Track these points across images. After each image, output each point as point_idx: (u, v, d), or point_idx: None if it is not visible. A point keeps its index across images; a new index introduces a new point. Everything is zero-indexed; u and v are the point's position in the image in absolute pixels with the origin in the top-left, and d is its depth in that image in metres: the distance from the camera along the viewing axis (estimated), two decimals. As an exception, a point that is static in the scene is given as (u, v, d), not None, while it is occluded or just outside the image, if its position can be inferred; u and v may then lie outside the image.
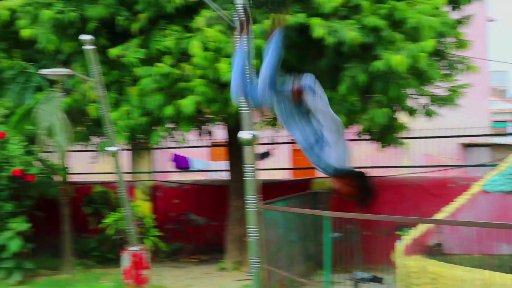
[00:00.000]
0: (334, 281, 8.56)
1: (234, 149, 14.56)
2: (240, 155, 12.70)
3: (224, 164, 17.07)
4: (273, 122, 14.06)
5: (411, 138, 15.31)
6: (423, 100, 13.87)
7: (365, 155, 16.21)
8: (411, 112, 13.52)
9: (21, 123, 13.42)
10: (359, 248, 8.07)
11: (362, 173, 5.22)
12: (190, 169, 20.81)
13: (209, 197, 16.96)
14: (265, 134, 14.49)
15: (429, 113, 13.73)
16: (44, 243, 15.40)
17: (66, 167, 14.91)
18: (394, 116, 13.01)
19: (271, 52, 4.92)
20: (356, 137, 13.77)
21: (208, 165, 21.60)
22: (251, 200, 7.52)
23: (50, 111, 12.84)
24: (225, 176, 17.19)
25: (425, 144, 15.85)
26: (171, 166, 21.21)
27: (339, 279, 9.25)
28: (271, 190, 13.56)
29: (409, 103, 13.44)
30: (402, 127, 13.40)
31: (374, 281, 8.68)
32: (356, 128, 13.30)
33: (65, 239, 14.56)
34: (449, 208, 10.59)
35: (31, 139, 13.83)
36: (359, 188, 5.09)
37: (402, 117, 13.74)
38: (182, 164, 21.30)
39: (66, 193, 14.72)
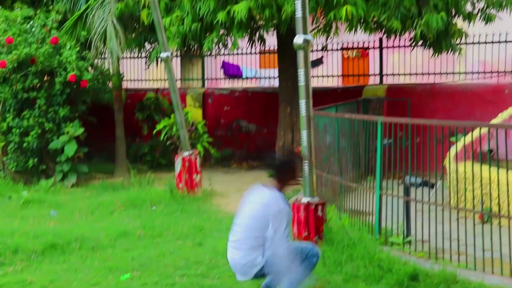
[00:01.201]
0: (385, 186, 8.60)
1: (285, 56, 14.47)
2: (291, 62, 12.63)
3: (274, 72, 17.02)
4: (324, 29, 13.86)
5: (467, 44, 14.99)
6: (481, 4, 13.46)
7: (419, 62, 15.97)
8: (468, 16, 13.16)
9: (75, 29, 13.50)
10: (410, 154, 8.03)
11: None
12: (241, 76, 20.81)
13: (259, 104, 17.00)
14: (316, 41, 14.30)
15: (487, 18, 13.33)
16: (98, 148, 15.75)
17: (119, 74, 15.05)
18: (450, 21, 12.69)
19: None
20: (410, 43, 13.52)
21: (258, 73, 21.55)
22: (304, 105, 7.51)
23: (103, 17, 12.86)
24: (275, 83, 17.16)
25: (482, 50, 15.46)
26: (221, 73, 21.24)
27: (388, 185, 9.27)
28: (322, 98, 13.52)
29: (467, 7, 13.08)
30: (458, 32, 13.09)
31: (425, 185, 8.68)
32: (410, 34, 13.05)
33: (118, 144, 14.85)
34: (504, 114, 10.44)
35: (85, 45, 13.96)
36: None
37: (459, 22, 13.41)
38: (232, 71, 21.30)
39: (119, 99, 14.92)
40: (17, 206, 11.42)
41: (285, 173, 5.98)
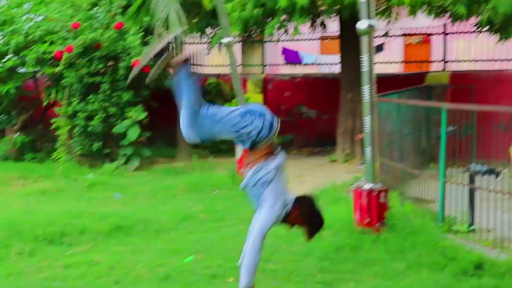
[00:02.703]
0: (448, 174, 8.50)
1: (347, 42, 14.39)
2: (353, 47, 12.54)
3: (335, 58, 16.93)
4: (383, 13, 13.72)
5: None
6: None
7: (484, 48, 15.68)
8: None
9: (138, 14, 13.67)
10: (475, 141, 7.93)
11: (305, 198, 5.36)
12: (301, 63, 20.78)
13: (320, 90, 16.95)
14: (377, 26, 14.18)
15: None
16: (160, 132, 15.93)
17: (181, 59, 15.14)
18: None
19: (184, 93, 5.34)
20: (475, 29, 13.27)
21: (318, 59, 21.47)
22: (366, 91, 7.46)
23: (166, 2, 12.97)
24: (336, 69, 17.08)
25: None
26: (282, 59, 21.23)
27: (452, 173, 9.17)
28: (384, 84, 13.37)
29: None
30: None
31: (490, 173, 8.56)
32: (475, 19, 12.81)
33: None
34: None
35: (148, 30, 14.12)
36: (306, 214, 5.27)
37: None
38: (292, 58, 21.27)
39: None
40: (82, 188, 11.67)
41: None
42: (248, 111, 5.19)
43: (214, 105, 5.28)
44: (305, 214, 5.29)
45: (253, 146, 5.20)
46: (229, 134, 5.19)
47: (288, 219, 5.28)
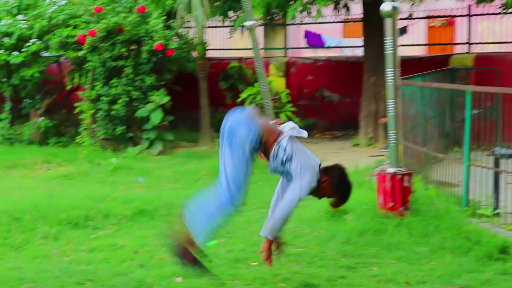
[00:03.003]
0: (473, 157, 8.44)
1: (370, 25, 14.30)
2: (376, 30, 12.47)
3: (358, 41, 16.83)
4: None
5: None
6: None
7: (509, 30, 15.49)
8: None
9: (161, -2, 13.68)
10: (499, 125, 7.86)
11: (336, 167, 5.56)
12: (324, 46, 20.68)
13: (343, 73, 16.87)
14: (401, 9, 14.07)
15: None
16: (182, 116, 15.97)
17: (204, 42, 15.17)
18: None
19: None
20: (500, 11, 13.11)
21: (341, 42, 21.37)
22: (390, 74, 7.41)
23: (189, -15, 12.98)
24: (359, 52, 16.96)
25: None
26: (304, 43, 21.15)
27: (476, 156, 9.10)
28: (407, 67, 13.28)
29: None
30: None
31: (515, 157, 8.51)
32: (500, 1, 12.66)
33: (203, 113, 15.02)
34: None
35: (170, 14, 14.11)
36: (337, 184, 5.46)
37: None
38: (315, 41, 21.19)
39: (204, 68, 15.05)
40: (106, 172, 11.73)
41: (331, 183, 5.48)
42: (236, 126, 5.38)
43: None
44: (335, 184, 5.47)
45: (259, 148, 5.42)
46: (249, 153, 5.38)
47: (318, 189, 5.44)
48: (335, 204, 5.61)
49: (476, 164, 8.34)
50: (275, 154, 5.37)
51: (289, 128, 5.52)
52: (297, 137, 5.51)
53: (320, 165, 5.53)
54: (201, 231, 5.43)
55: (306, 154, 5.48)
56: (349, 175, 5.57)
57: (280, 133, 5.45)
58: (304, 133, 5.55)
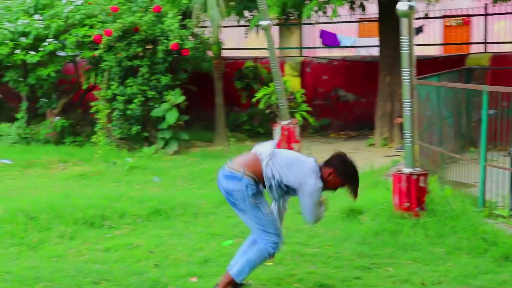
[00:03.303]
0: (489, 158, 8.39)
1: (386, 24, 14.25)
2: (392, 30, 12.43)
3: (373, 41, 16.78)
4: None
5: None
6: None
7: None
8: None
9: (177, -2, 13.69)
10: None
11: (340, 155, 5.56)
12: (339, 45, 20.63)
13: (358, 73, 16.83)
14: (417, 8, 14.03)
15: None
16: (197, 116, 15.98)
17: (220, 42, 15.18)
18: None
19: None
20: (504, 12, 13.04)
21: (356, 42, 21.32)
22: (406, 74, 7.38)
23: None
24: (374, 52, 16.92)
25: None
26: (319, 42, 21.12)
27: (492, 156, 9.05)
28: (423, 66, 13.22)
29: None
30: None
31: (532, 158, 8.44)
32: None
33: (218, 113, 15.02)
34: None
35: (186, 14, 14.13)
36: (343, 171, 5.45)
37: None
38: (330, 41, 21.14)
39: (219, 67, 15.06)
40: (122, 171, 11.76)
41: (336, 171, 5.45)
42: None
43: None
44: (341, 172, 5.45)
45: (260, 188, 5.48)
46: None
47: (327, 183, 5.43)
48: (353, 191, 5.53)
49: (492, 165, 8.29)
50: (269, 186, 5.39)
51: (264, 150, 5.52)
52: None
53: (316, 162, 5.51)
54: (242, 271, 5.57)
55: (297, 163, 5.46)
56: (349, 156, 5.58)
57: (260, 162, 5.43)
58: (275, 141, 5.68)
